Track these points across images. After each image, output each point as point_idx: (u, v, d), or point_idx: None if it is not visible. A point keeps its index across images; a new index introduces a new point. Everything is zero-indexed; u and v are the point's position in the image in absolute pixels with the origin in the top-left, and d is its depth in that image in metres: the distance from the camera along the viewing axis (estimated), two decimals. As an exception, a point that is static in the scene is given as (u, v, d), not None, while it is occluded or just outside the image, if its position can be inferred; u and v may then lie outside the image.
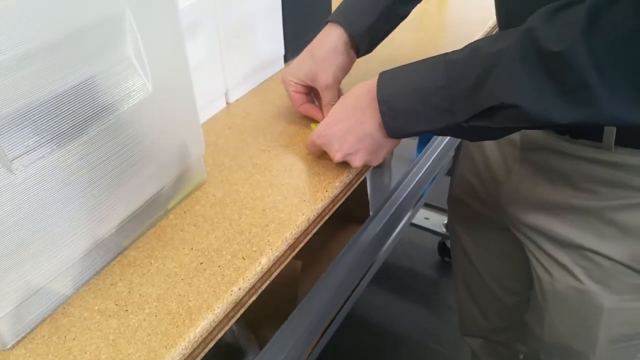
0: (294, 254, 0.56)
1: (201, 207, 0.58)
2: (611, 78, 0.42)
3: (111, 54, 0.46)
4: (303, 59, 0.69)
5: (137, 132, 0.50)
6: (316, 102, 0.72)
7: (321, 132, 0.60)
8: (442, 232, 1.71)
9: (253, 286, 0.51)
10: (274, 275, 0.54)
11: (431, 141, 1.23)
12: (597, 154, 0.58)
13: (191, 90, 0.55)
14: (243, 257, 0.51)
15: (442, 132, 0.54)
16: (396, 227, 1.09)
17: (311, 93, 0.72)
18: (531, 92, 0.45)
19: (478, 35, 0.96)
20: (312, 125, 0.70)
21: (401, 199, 1.08)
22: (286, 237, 0.54)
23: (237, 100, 0.78)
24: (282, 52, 0.84)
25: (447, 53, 0.51)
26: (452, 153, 1.32)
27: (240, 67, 0.76)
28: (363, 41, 0.68)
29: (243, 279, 0.49)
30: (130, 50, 0.47)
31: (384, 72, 0.56)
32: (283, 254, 0.54)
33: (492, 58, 0.46)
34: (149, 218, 0.55)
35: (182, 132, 0.56)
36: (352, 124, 0.57)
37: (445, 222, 1.71)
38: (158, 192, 0.55)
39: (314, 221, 0.58)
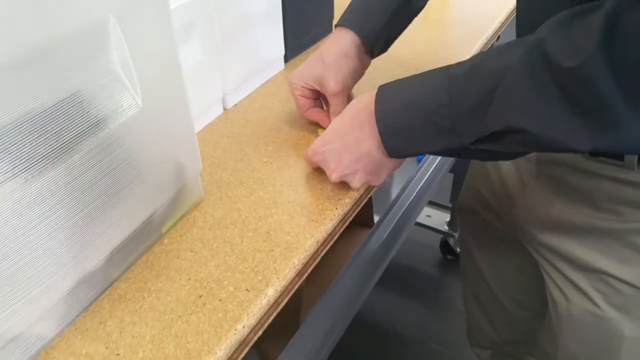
0: (302, 280, 0.51)
1: (199, 229, 0.53)
2: (636, 96, 0.36)
3: (94, 67, 0.40)
4: (312, 63, 0.64)
5: (127, 152, 0.44)
6: (325, 107, 0.67)
7: (317, 149, 0.55)
8: (444, 230, 1.66)
9: (259, 322, 0.46)
10: (281, 307, 0.49)
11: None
12: (619, 173, 0.53)
13: (186, 102, 0.49)
14: (247, 289, 0.46)
15: (447, 154, 0.49)
16: (402, 235, 1.04)
17: (320, 98, 0.67)
18: (541, 115, 0.40)
19: (488, 32, 0.91)
20: (320, 131, 0.65)
21: (406, 205, 1.03)
22: (294, 264, 0.49)
23: (235, 105, 0.72)
24: (282, 52, 0.78)
25: (450, 66, 0.46)
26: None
27: (238, 69, 0.70)
28: (378, 42, 0.63)
29: (247, 314, 0.44)
30: (116, 61, 0.42)
31: (383, 85, 0.51)
32: (291, 282, 0.49)
33: (497, 74, 0.41)
34: (141, 244, 0.50)
35: (176, 149, 0.50)
36: (349, 141, 0.52)
37: (448, 219, 1.67)
38: (151, 215, 0.50)
39: (323, 243, 0.53)
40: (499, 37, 0.97)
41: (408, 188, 1.04)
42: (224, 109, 0.71)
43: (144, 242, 0.51)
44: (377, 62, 0.81)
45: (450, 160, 1.26)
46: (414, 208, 1.07)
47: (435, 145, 0.48)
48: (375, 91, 0.51)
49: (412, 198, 1.06)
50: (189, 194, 0.54)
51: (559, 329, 0.66)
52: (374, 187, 0.60)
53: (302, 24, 0.82)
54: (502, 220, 0.74)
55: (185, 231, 0.53)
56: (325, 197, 0.56)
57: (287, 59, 0.80)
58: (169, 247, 0.51)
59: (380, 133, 0.50)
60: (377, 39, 0.62)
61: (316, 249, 0.52)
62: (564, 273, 0.62)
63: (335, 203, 0.55)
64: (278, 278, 0.47)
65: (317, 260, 0.52)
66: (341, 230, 0.56)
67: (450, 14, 0.99)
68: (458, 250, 1.69)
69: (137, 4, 0.42)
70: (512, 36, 0.59)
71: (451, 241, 1.69)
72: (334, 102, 0.62)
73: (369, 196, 0.60)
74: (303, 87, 0.64)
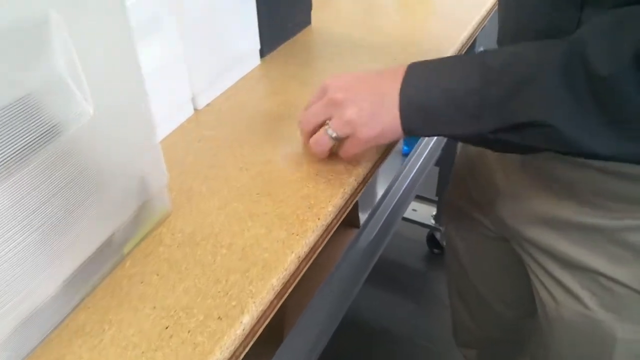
0: (281, 302, 0.46)
1: (165, 248, 0.47)
2: None
3: (33, 71, 0.35)
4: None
5: (79, 166, 0.39)
6: None
7: (334, 76, 0.53)
8: (431, 224, 1.63)
9: (233, 354, 0.41)
10: (258, 334, 0.44)
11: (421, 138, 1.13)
12: (610, 164, 0.49)
13: (146, 108, 0.44)
14: (219, 317, 0.41)
15: (463, 139, 0.49)
16: (390, 233, 1.00)
17: None
18: (569, 114, 0.39)
19: (475, 20, 0.86)
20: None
21: (394, 203, 0.99)
22: (273, 285, 0.44)
23: (207, 105, 0.67)
24: (258, 46, 0.73)
25: (484, 53, 0.45)
26: (442, 144, 1.24)
27: (208, 66, 0.65)
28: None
29: (220, 347, 0.39)
30: (61, 64, 0.36)
31: (414, 63, 0.49)
32: (269, 306, 0.44)
33: (533, 68, 0.40)
34: (100, 268, 0.45)
35: (137, 160, 0.45)
36: (371, 82, 0.50)
37: (434, 213, 1.63)
38: (110, 236, 0.44)
39: (305, 258, 0.48)
40: (484, 26, 0.92)
41: (395, 185, 1.00)
42: (195, 109, 0.65)
43: (103, 265, 0.45)
44: (361, 57, 0.77)
45: (437, 153, 1.22)
46: (401, 205, 1.03)
47: (453, 129, 0.46)
48: (405, 66, 0.49)
49: (399, 195, 1.02)
50: (154, 208, 0.49)
51: (549, 331, 0.63)
52: (358, 194, 0.55)
53: (279, 13, 0.76)
54: (488, 216, 0.70)
55: (151, 251, 0.47)
56: (306, 206, 0.51)
57: (263, 53, 0.74)
58: (132, 270, 0.46)
59: (401, 109, 0.47)
60: None
61: (297, 265, 0.47)
62: (551, 272, 0.59)
63: (318, 212, 0.50)
64: (255, 302, 0.42)
65: (299, 279, 0.48)
66: (324, 242, 0.51)
67: (434, 4, 0.94)
68: (445, 244, 1.66)
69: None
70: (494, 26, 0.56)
71: (438, 235, 1.66)
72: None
73: (353, 203, 0.55)
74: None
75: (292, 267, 0.46)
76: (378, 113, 0.48)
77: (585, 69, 0.37)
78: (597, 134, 0.38)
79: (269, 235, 0.48)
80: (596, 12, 0.41)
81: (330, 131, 0.50)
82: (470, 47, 0.88)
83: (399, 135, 0.49)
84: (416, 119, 0.47)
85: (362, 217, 1.03)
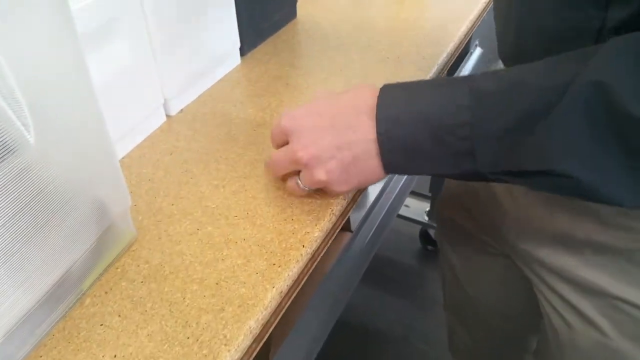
0: (260, 345, 0.41)
1: (129, 283, 0.42)
2: None
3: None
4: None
5: (25, 198, 0.33)
6: None
7: (295, 115, 0.44)
8: (424, 220, 1.58)
9: (205, 413, 0.35)
10: (235, 384, 0.38)
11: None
12: None
13: (100, 124, 0.38)
14: (189, 369, 0.36)
15: (455, 177, 0.40)
16: (383, 234, 0.95)
17: None
18: (593, 163, 0.32)
19: (472, 14, 0.80)
20: None
21: (388, 204, 0.93)
22: (250, 327, 0.39)
23: (181, 111, 0.61)
24: (238, 44, 0.66)
25: (472, 77, 0.37)
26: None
27: (181, 69, 0.59)
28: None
29: (189, 407, 0.34)
30: (-11, 82, 0.30)
31: (387, 86, 0.41)
32: (246, 352, 0.39)
33: (540, 99, 0.33)
34: (55, 307, 0.39)
35: (94, 183, 0.39)
36: (338, 122, 0.42)
37: (427, 209, 1.59)
38: (66, 272, 0.39)
39: (287, 293, 0.43)
40: (483, 18, 0.87)
41: (390, 185, 0.95)
42: (167, 116, 0.59)
43: (59, 304, 0.40)
44: (351, 54, 0.71)
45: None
46: (396, 207, 0.98)
47: (443, 168, 0.39)
48: (378, 88, 0.41)
49: (393, 196, 0.97)
50: (117, 234, 0.43)
51: (560, 357, 0.58)
52: (348, 213, 0.50)
53: (261, 7, 0.70)
54: (488, 234, 0.65)
55: (112, 286, 0.42)
56: (289, 231, 0.46)
57: (243, 51, 0.68)
58: (91, 309, 0.40)
59: (380, 143, 0.40)
60: None
61: (279, 302, 0.42)
62: (564, 296, 0.54)
63: (302, 239, 0.45)
64: (229, 351, 0.37)
65: (280, 317, 0.42)
66: (309, 273, 0.46)
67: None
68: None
69: (11, 4, 0.30)
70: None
71: (431, 231, 1.61)
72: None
73: (342, 224, 0.50)
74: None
75: (273, 304, 0.41)
76: (351, 169, 0.42)
77: (612, 108, 0.31)
78: (622, 182, 0.32)
79: (246, 266, 0.43)
80: (623, 9, 0.35)
81: (302, 185, 0.46)
82: (467, 44, 0.82)
83: (381, 178, 0.43)
84: (397, 155, 0.40)
85: (355, 218, 0.98)
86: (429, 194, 1.55)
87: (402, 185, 0.99)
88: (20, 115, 0.31)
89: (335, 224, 0.48)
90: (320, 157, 0.42)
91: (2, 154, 0.31)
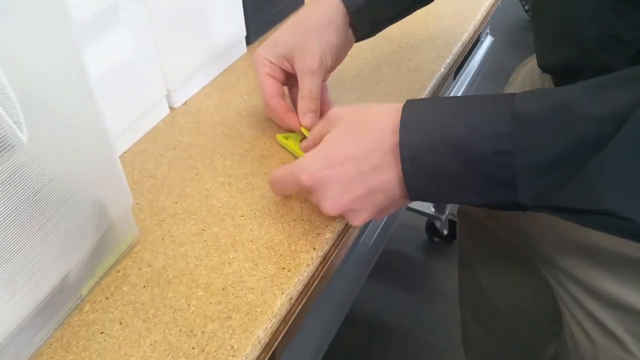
0: (269, 355, 0.38)
1: (131, 288, 0.40)
2: None
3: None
4: (284, 32, 0.50)
5: (16, 203, 0.31)
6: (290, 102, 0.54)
7: (314, 168, 0.39)
8: (430, 212, 1.55)
9: None
10: (243, 396, 0.36)
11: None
12: None
13: (98, 121, 0.36)
14: (194, 383, 0.34)
15: (489, 207, 0.36)
16: (390, 232, 0.93)
17: (291, 84, 0.53)
18: None
19: (487, 2, 0.77)
20: (279, 136, 0.52)
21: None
22: (259, 337, 0.36)
23: (184, 103, 0.58)
24: (243, 32, 0.64)
25: (513, 96, 0.33)
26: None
27: (185, 58, 0.56)
28: (361, 18, 0.49)
29: None
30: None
31: (410, 103, 0.37)
32: (255, 363, 0.37)
33: (593, 128, 0.29)
34: (52, 315, 0.37)
35: (93, 183, 0.37)
36: (363, 168, 0.38)
37: (435, 200, 1.56)
38: (64, 277, 0.36)
39: (297, 298, 0.40)
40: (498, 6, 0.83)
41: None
42: (171, 108, 0.57)
43: (56, 311, 0.37)
44: (362, 43, 0.68)
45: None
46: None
47: (478, 198, 0.35)
48: (400, 107, 0.37)
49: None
50: (117, 236, 0.41)
51: None
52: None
53: (268, -5, 0.67)
54: (509, 232, 0.62)
55: (114, 290, 0.39)
56: (299, 232, 0.43)
57: (249, 40, 0.66)
58: (91, 316, 0.38)
59: (405, 172, 0.36)
60: (360, 13, 0.49)
61: (289, 309, 0.39)
62: (587, 308, 0.51)
63: (313, 241, 0.43)
64: (237, 362, 0.35)
65: (289, 324, 0.40)
66: (321, 275, 0.44)
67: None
68: (445, 232, 1.60)
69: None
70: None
71: (437, 223, 1.59)
72: (306, 82, 0.48)
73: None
74: (273, 63, 0.50)
75: (283, 312, 0.38)
76: (380, 207, 0.39)
77: None
78: None
79: (254, 270, 0.40)
80: None
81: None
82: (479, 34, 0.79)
83: (406, 204, 0.40)
84: (425, 183, 0.37)
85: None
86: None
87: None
88: (12, 113, 0.29)
89: (346, 225, 0.45)
90: (351, 210, 0.39)
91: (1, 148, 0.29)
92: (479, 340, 0.83)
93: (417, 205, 1.56)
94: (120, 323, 0.37)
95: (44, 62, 0.31)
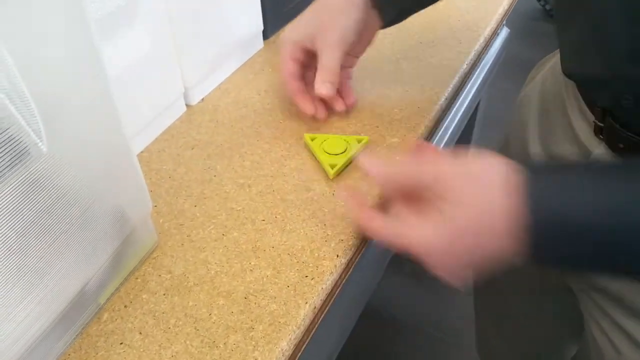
0: (294, 365, 0.37)
1: (150, 295, 0.39)
2: None
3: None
4: (307, 13, 0.51)
5: (36, 213, 0.30)
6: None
7: (432, 253, 0.37)
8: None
9: None
10: (266, 410, 0.35)
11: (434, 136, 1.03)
12: None
13: (117, 126, 0.34)
14: (218, 397, 0.33)
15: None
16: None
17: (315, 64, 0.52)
18: None
19: (511, -8, 0.75)
20: (306, 135, 0.50)
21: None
22: (282, 349, 0.35)
23: (202, 100, 0.57)
24: (261, 27, 0.62)
25: None
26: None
27: (202, 54, 0.54)
28: (387, 4, 0.49)
29: None
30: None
31: (536, 184, 0.33)
32: (279, 376, 0.36)
33: None
34: (70, 325, 0.36)
35: (113, 190, 0.36)
36: (487, 254, 0.35)
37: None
38: (83, 287, 0.35)
39: (321, 308, 0.39)
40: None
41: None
42: (188, 105, 0.56)
43: (74, 321, 0.36)
44: (381, 37, 0.66)
45: (459, 133, 1.12)
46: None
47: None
48: (517, 184, 0.32)
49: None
50: (136, 242, 0.40)
51: None
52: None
53: (285, -13, 0.65)
54: None
55: (132, 299, 0.38)
56: (322, 237, 0.42)
57: (266, 35, 0.64)
58: (110, 325, 0.37)
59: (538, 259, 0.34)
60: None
61: (312, 318, 0.38)
62: (614, 318, 0.50)
63: (336, 247, 0.41)
64: (261, 376, 0.34)
65: (313, 333, 0.39)
66: (344, 281, 0.42)
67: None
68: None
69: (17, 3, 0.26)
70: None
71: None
72: (324, 57, 0.48)
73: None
74: (295, 44, 0.50)
75: (307, 322, 0.37)
76: (472, 260, 0.37)
77: None
78: None
79: (276, 277, 0.39)
80: None
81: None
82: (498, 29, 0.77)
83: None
84: (555, 263, 0.36)
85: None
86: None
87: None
88: (31, 122, 0.28)
89: (370, 230, 0.44)
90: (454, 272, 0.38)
91: (13, 164, 0.28)
92: (494, 344, 0.82)
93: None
94: (140, 333, 0.36)
95: (64, 70, 0.29)
